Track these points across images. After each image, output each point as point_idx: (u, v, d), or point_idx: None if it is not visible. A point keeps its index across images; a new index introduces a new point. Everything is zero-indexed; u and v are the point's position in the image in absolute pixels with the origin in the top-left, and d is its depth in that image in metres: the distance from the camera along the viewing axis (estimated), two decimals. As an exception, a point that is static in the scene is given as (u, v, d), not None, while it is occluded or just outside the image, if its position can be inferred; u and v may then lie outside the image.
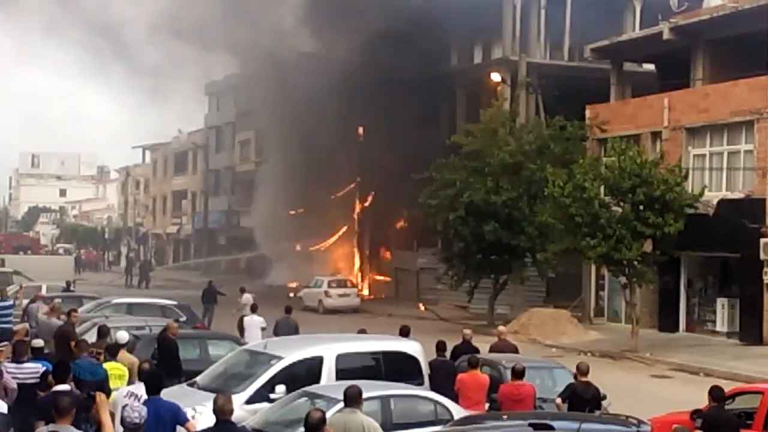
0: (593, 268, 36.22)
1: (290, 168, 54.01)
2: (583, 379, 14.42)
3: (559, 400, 14.19)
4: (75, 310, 20.00)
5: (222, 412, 9.36)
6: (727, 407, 13.97)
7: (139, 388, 11.20)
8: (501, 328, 21.91)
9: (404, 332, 18.10)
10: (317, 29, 51.12)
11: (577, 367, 14.81)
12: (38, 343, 14.84)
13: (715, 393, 12.36)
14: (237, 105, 71.95)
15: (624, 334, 31.18)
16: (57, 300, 24.27)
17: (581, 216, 29.01)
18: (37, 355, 13.93)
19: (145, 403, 9.86)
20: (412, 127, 44.66)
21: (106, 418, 8.86)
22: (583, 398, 14.02)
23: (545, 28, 46.94)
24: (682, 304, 33.76)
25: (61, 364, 12.13)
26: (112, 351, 14.68)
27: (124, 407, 9.25)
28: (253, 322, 22.73)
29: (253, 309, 23.36)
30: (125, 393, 11.54)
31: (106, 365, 14.04)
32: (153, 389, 10.60)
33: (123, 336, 15.83)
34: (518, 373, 14.44)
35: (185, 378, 16.13)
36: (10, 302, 25.77)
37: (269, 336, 21.04)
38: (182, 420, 10.39)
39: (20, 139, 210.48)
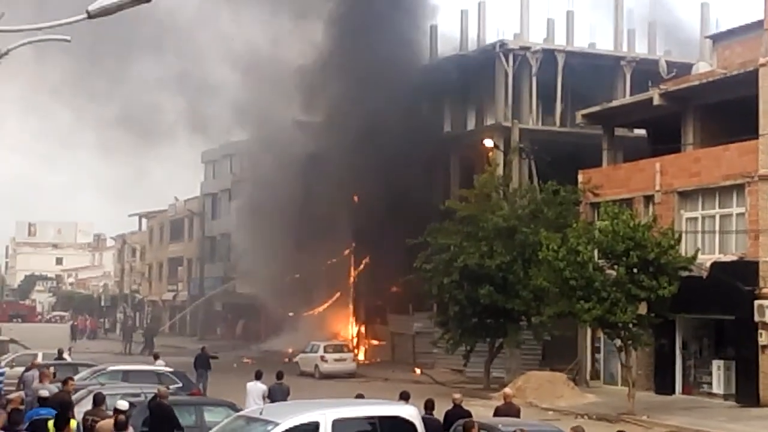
0: (588, 331, 36.25)
1: (284, 234, 54.19)
2: None
3: None
4: (71, 379, 20.00)
5: None
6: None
7: None
8: (507, 390, 22.02)
9: (404, 397, 18.25)
10: (311, 97, 51.74)
11: (573, 430, 14.89)
12: (44, 393, 15.08)
13: None
14: (233, 172, 72.43)
15: (620, 397, 31.14)
16: (50, 368, 24.30)
17: (575, 279, 29.13)
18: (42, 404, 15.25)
19: None
20: (406, 192, 45.00)
21: None
22: None
23: (537, 94, 47.52)
24: (678, 366, 33.76)
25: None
26: (120, 426, 14.53)
27: None
28: (256, 389, 22.74)
29: (258, 376, 23.42)
30: None
31: None
32: None
33: (123, 404, 15.85)
34: (516, 437, 14.48)
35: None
36: (2, 369, 25.86)
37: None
38: None
39: (16, 207, 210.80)
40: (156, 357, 33.16)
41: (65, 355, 33.72)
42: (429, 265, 37.44)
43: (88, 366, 29.34)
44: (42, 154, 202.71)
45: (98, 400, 16.89)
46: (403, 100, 46.27)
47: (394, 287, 50.81)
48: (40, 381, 21.67)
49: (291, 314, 59.42)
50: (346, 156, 47.59)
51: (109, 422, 15.02)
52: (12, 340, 42.06)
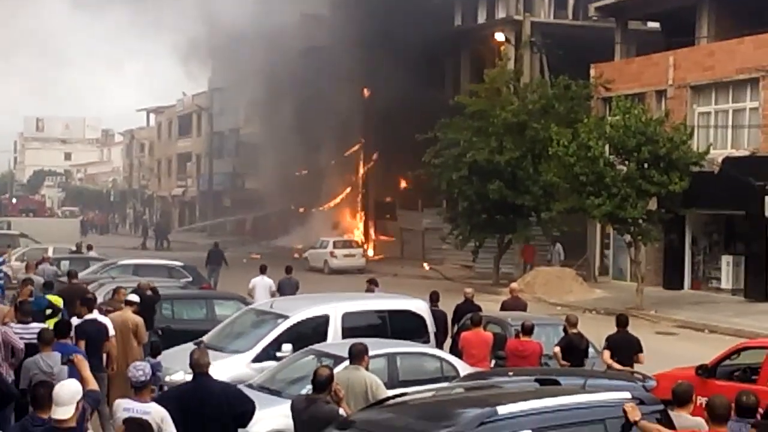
0: (598, 226, 36.25)
1: (293, 129, 53.91)
2: (574, 330, 14.77)
3: (557, 349, 14.47)
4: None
5: (198, 365, 9.39)
6: (731, 362, 14.21)
7: None
8: (513, 285, 22.21)
9: (434, 298, 18.34)
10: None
11: (567, 319, 15.21)
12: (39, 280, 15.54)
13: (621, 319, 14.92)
14: (241, 66, 71.62)
15: (629, 292, 31.27)
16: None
17: (586, 175, 28.98)
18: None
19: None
20: (416, 87, 44.53)
21: (87, 374, 9.00)
22: (579, 348, 14.51)
23: (549, -14, 46.63)
24: (687, 261, 33.85)
25: (62, 322, 12.49)
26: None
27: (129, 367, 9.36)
28: (262, 283, 22.84)
29: (263, 270, 23.48)
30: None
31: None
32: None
33: (133, 297, 15.94)
34: (527, 330, 14.54)
35: (192, 338, 16.23)
36: (0, 259, 26.23)
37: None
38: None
39: (24, 102, 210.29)
40: (89, 248, 34.03)
41: (85, 251, 33.87)
42: (438, 161, 37.26)
43: (99, 260, 29.55)
44: (48, 48, 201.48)
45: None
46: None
47: (403, 183, 50.74)
48: (27, 271, 22.27)
49: (301, 210, 59.49)
50: (355, 50, 46.96)
51: (122, 313, 15.13)
52: (22, 235, 42.26)
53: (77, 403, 7.54)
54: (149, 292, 18.07)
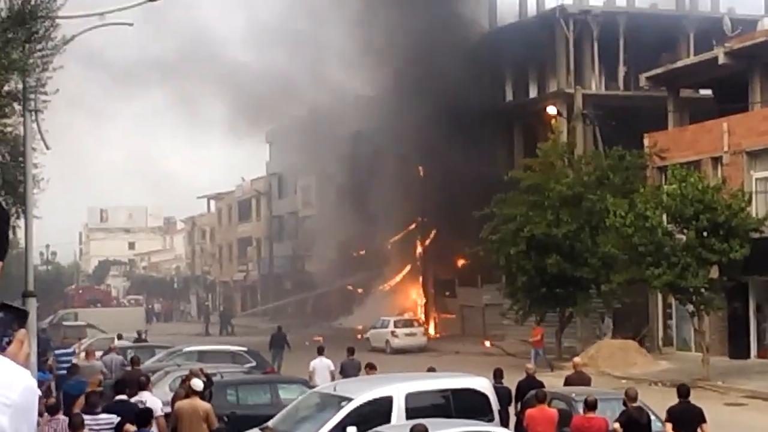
0: (659, 297, 35.92)
1: (350, 210, 54.42)
2: (635, 404, 14.60)
3: (617, 425, 14.28)
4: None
5: None
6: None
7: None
8: (576, 359, 22.03)
9: (498, 375, 18.45)
10: (373, 70, 51.70)
11: (626, 393, 15.00)
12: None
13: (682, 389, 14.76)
14: (297, 151, 72.76)
15: (694, 363, 30.83)
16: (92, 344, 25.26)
17: (644, 245, 28.87)
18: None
19: None
20: (470, 163, 44.88)
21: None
22: (639, 423, 14.30)
23: (599, 58, 46.94)
24: (752, 329, 33.34)
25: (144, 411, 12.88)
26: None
27: None
28: (321, 365, 22.98)
29: (320, 351, 23.64)
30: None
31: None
32: None
33: (197, 384, 16.18)
34: (591, 405, 14.46)
35: (257, 423, 16.39)
36: (71, 350, 26.67)
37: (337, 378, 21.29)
38: None
39: (88, 194, 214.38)
40: (140, 335, 36.92)
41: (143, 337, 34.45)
42: (495, 236, 37.36)
43: (165, 348, 29.90)
44: (109, 140, 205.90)
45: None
46: (464, 70, 46.04)
47: (461, 260, 50.78)
48: (86, 358, 22.64)
49: (360, 291, 59.69)
50: (409, 130, 47.53)
51: (191, 401, 15.38)
52: (89, 325, 42.93)
53: None
54: (203, 379, 18.31)
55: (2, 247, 2.28)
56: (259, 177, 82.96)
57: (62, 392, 15.19)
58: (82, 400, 14.69)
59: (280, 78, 54.02)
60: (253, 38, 55.30)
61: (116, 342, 32.48)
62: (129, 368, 21.21)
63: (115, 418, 13.37)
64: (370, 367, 20.89)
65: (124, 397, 14.40)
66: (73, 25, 18.22)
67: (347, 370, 22.50)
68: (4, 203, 14.95)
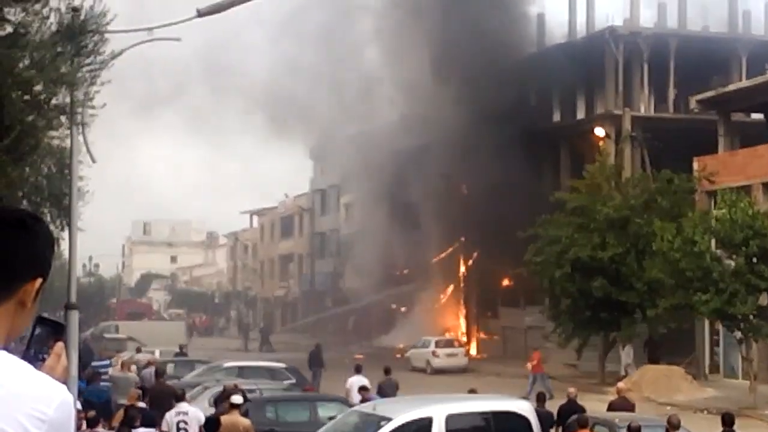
0: (707, 323, 35.30)
1: (393, 227, 54.27)
2: None
3: None
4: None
5: None
6: None
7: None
8: (620, 384, 21.74)
9: (541, 398, 18.48)
10: (420, 89, 51.63)
11: (668, 421, 14.86)
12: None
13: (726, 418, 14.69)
14: (341, 168, 72.87)
15: (742, 391, 30.22)
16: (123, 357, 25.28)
17: (692, 270, 28.40)
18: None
19: None
20: (515, 184, 44.57)
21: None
22: None
23: (648, 80, 46.48)
24: (803, 358, 32.59)
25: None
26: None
27: None
28: (355, 382, 22.77)
29: (358, 370, 23.43)
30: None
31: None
32: None
33: (237, 399, 16.04)
34: (634, 432, 14.16)
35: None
36: (107, 362, 26.69)
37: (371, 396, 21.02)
38: None
39: (132, 207, 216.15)
40: (181, 348, 36.52)
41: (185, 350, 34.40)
42: (540, 258, 36.97)
43: (204, 363, 29.85)
44: (154, 154, 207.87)
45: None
46: (511, 90, 45.81)
47: (505, 281, 50.37)
48: (122, 370, 22.60)
49: (402, 309, 59.44)
50: (454, 148, 47.34)
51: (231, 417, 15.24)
52: (130, 338, 43.04)
53: None
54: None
55: (46, 269, 2.32)
56: (302, 193, 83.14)
57: (83, 399, 15.32)
58: (120, 413, 14.58)
59: (327, 95, 54.17)
60: (302, 55, 55.29)
61: (157, 355, 32.50)
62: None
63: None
64: (364, 389, 20.55)
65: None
66: (121, 39, 18.21)
67: (385, 390, 22.26)
68: (49, 215, 14.90)
